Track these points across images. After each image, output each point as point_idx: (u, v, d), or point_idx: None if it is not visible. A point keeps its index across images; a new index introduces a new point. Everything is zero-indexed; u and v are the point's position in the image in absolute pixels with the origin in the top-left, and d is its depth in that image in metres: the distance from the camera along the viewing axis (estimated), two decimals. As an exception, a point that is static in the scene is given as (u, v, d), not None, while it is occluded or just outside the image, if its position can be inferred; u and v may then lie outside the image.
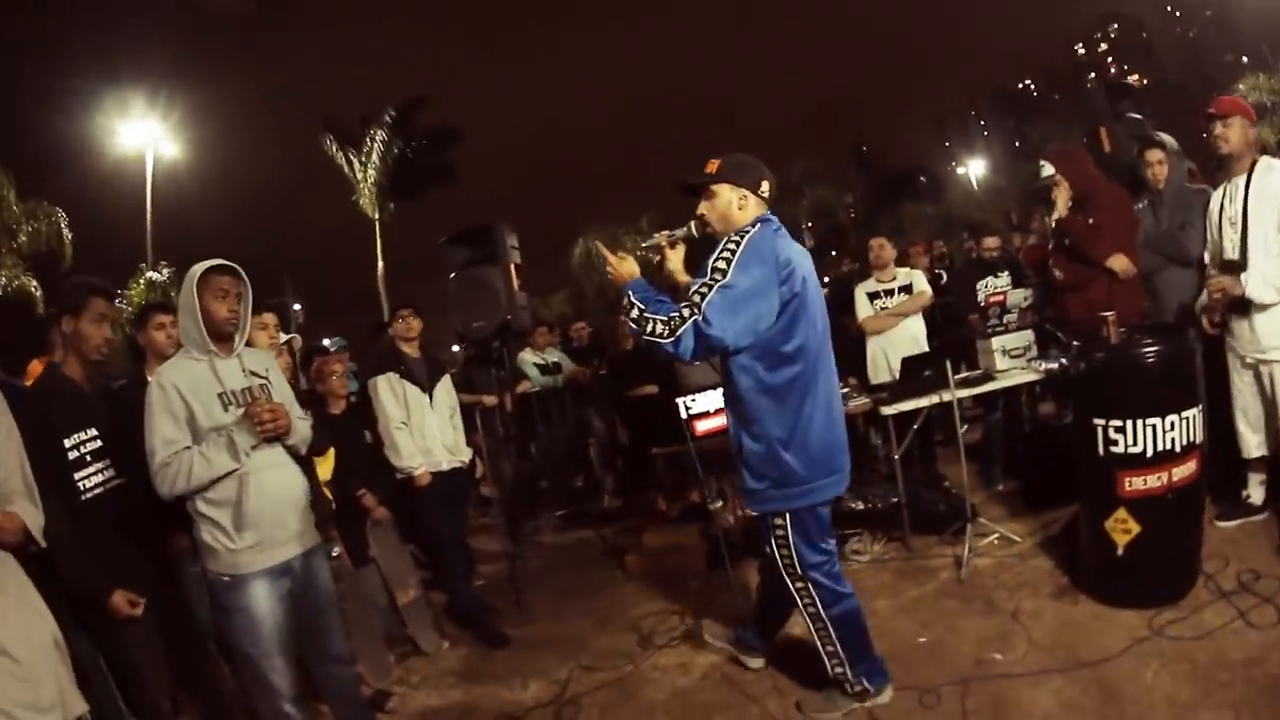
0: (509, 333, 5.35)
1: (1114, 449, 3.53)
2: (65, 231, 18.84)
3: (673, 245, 3.28)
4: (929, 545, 4.80)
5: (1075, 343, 4.12)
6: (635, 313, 2.98)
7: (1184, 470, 3.50)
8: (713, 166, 3.11)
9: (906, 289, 6.24)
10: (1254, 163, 3.87)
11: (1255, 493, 4.20)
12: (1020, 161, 54.00)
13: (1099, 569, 3.76)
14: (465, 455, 5.25)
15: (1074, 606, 3.75)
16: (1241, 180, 3.88)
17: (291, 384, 3.88)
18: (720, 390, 3.44)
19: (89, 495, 3.12)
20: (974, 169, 54.16)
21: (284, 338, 4.49)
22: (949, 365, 4.74)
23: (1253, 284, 3.75)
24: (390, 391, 4.92)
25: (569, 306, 38.13)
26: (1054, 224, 4.77)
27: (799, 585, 3.13)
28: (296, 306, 35.15)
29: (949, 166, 65.64)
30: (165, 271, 20.30)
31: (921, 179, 55.66)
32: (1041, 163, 4.89)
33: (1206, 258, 4.17)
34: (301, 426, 3.26)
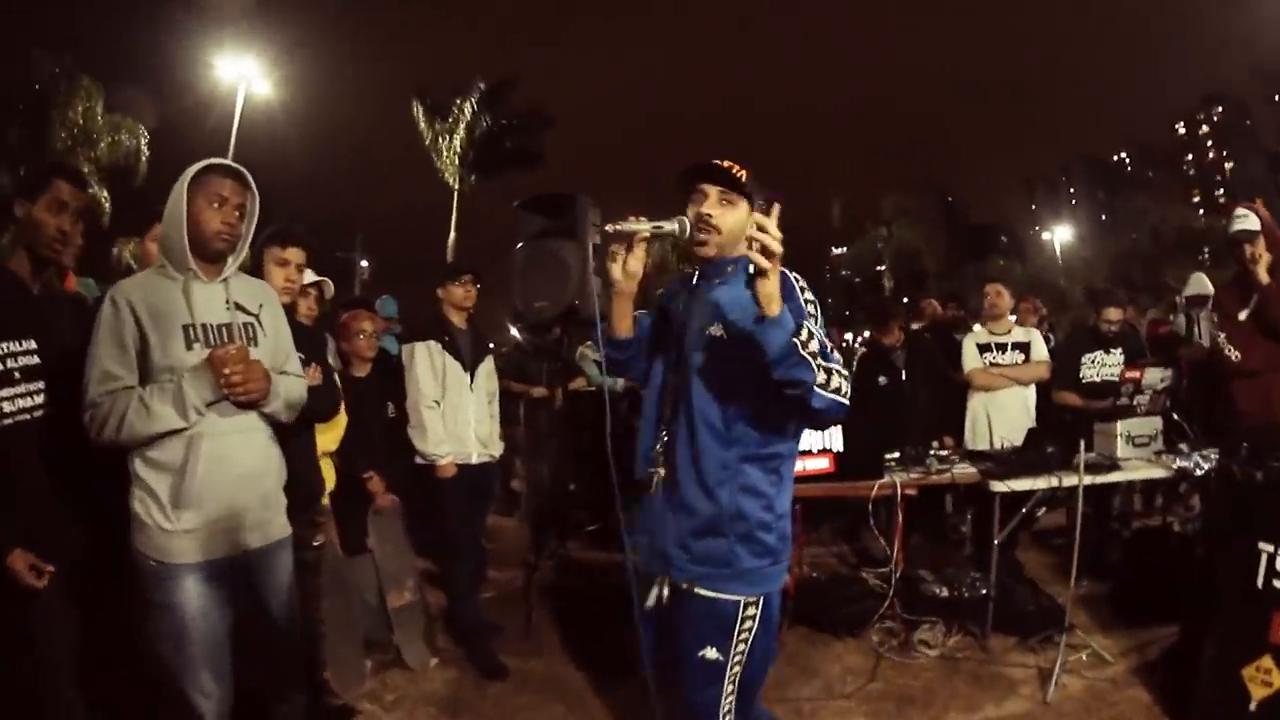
0: (573, 319, 4.65)
1: (1278, 583, 2.97)
2: (144, 149, 19.10)
3: (649, 239, 2.31)
4: (1008, 647, 4.29)
5: (1244, 444, 3.43)
6: (814, 357, 2.08)
7: None
8: (744, 173, 2.32)
9: (1022, 348, 5.68)
10: None
11: None
12: (1106, 235, 52.81)
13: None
14: (497, 449, 4.71)
15: None
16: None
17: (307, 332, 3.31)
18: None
19: (4, 421, 2.45)
20: (1059, 235, 52.94)
21: (310, 278, 3.82)
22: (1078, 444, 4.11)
23: None
24: (428, 362, 4.38)
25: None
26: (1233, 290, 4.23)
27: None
28: (364, 264, 35.22)
29: (1033, 229, 64.73)
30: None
31: (1003, 238, 54.77)
32: (1241, 211, 4.18)
33: None
34: (290, 388, 2.63)
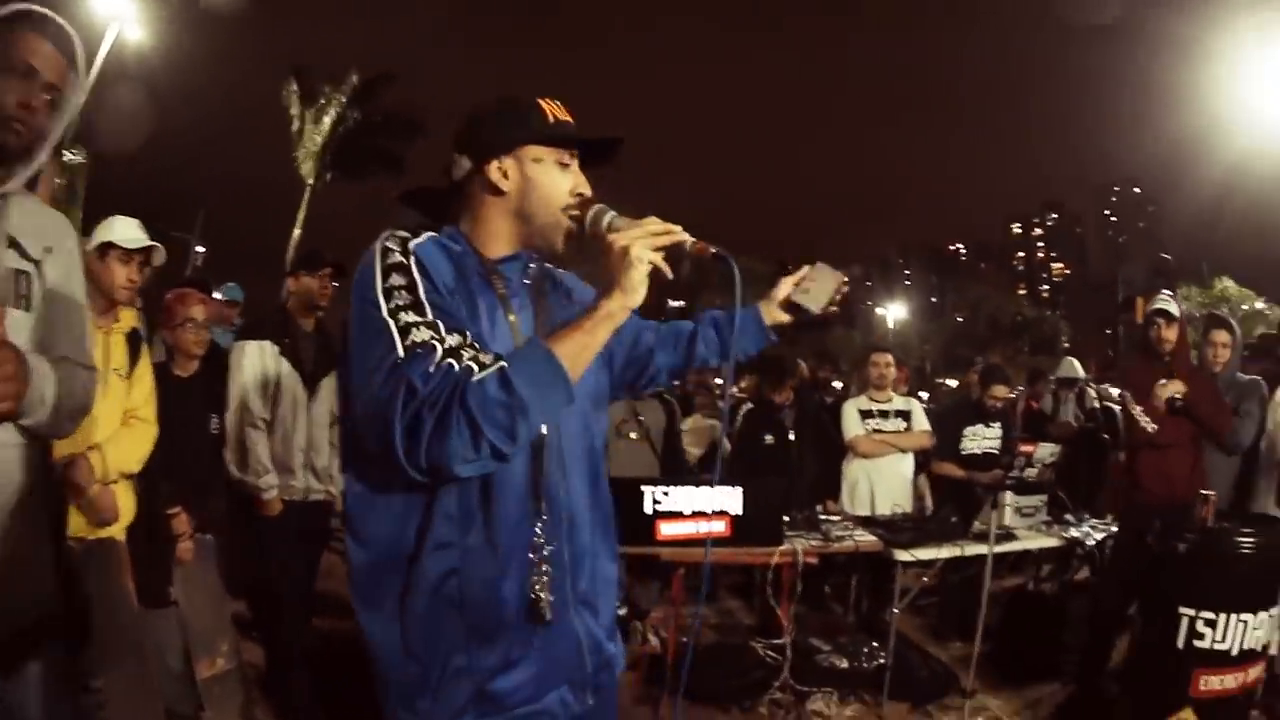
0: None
1: (1198, 643, 3.23)
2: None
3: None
4: (901, 714, 4.20)
5: (1156, 519, 3.67)
6: None
7: (1258, 671, 3.34)
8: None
9: (904, 415, 5.71)
10: None
11: None
12: (936, 316, 56.19)
13: None
14: (337, 486, 3.76)
15: None
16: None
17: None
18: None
19: None
20: (892, 312, 55.68)
21: (141, 240, 3.01)
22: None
23: None
24: (259, 368, 3.59)
25: None
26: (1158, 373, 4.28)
27: None
28: (199, 249, 32.74)
29: (866, 304, 68.20)
30: (77, 154, 18.04)
31: (834, 308, 57.42)
32: (1166, 293, 4.61)
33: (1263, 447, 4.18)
34: (67, 387, 1.65)
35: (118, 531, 2.92)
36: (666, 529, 3.98)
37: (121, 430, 2.91)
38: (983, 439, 5.68)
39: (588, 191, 1.61)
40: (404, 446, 1.33)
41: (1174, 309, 4.31)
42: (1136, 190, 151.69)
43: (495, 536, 1.50)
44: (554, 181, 1.59)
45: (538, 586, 1.53)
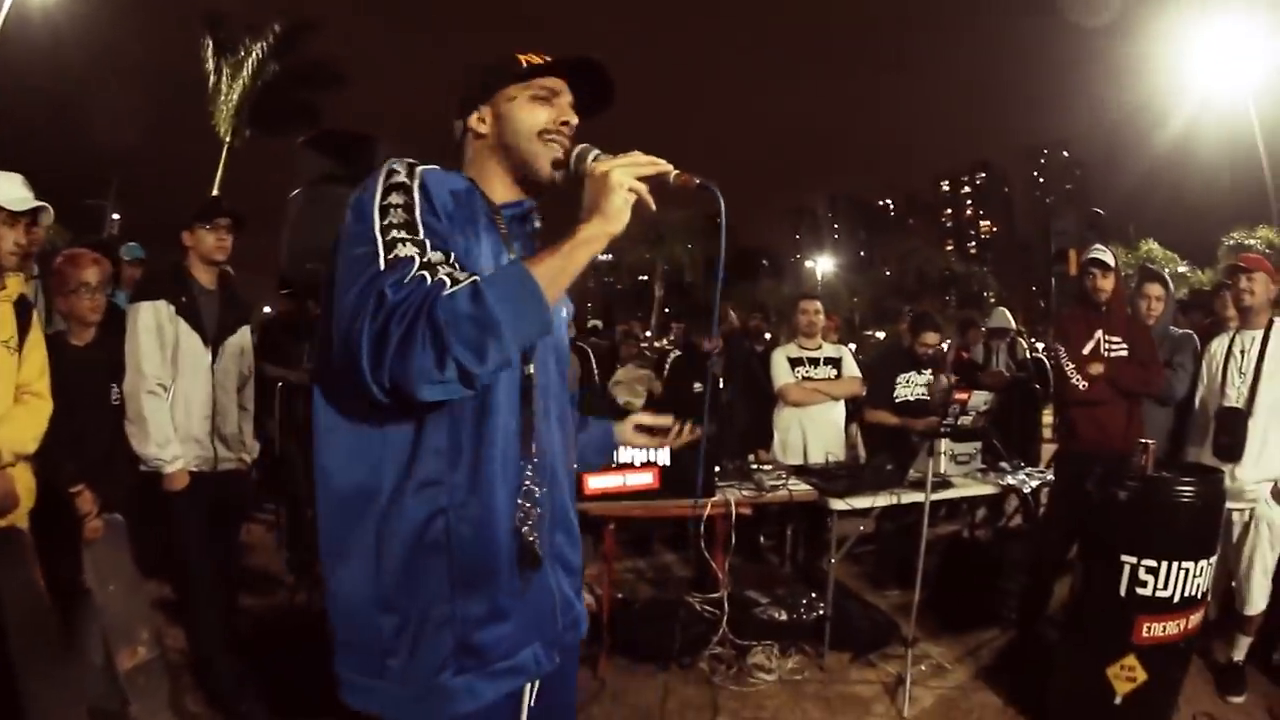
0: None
1: (1140, 590, 3.25)
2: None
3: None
4: (843, 665, 4.20)
5: (1098, 467, 3.66)
6: None
7: (1198, 617, 3.38)
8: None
9: (834, 363, 5.67)
10: (1271, 320, 4.02)
11: None
12: (864, 269, 57.19)
13: (1086, 716, 3.47)
14: (250, 453, 3.64)
15: None
16: (1258, 334, 4.00)
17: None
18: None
19: None
20: (821, 265, 56.40)
21: (27, 201, 2.73)
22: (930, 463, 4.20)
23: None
24: (154, 328, 3.27)
25: None
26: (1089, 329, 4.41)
27: None
28: (115, 216, 31.47)
29: (795, 257, 68.98)
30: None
31: (764, 261, 57.80)
32: (1100, 247, 4.64)
33: (1197, 401, 4.31)
34: None
35: (19, 518, 2.71)
36: (594, 482, 3.89)
37: (14, 408, 2.69)
38: (916, 386, 5.69)
39: (572, 119, 1.62)
40: (370, 361, 1.27)
41: (1109, 259, 4.36)
42: (1065, 154, 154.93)
43: (488, 475, 1.46)
44: (528, 112, 1.60)
45: (527, 530, 1.51)
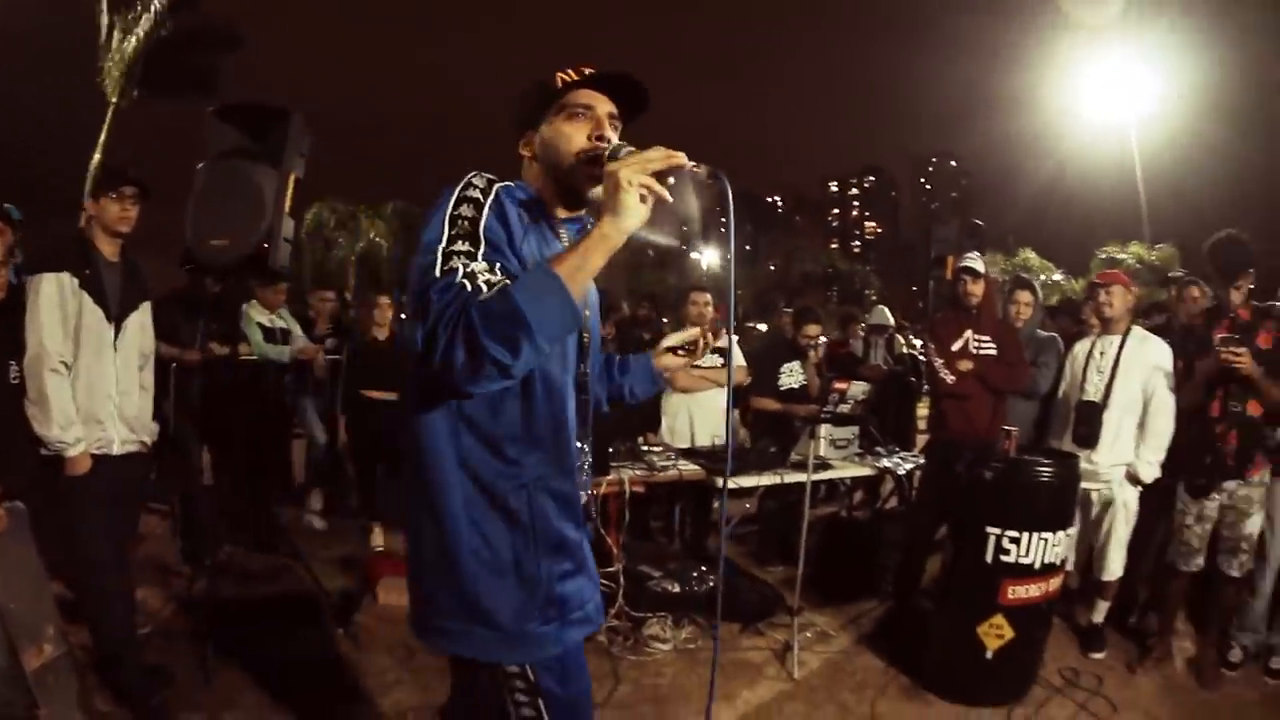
0: (258, 268, 3.67)
1: (1004, 558, 3.68)
2: None
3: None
4: (734, 634, 4.43)
5: (967, 451, 4.14)
6: None
7: (1058, 582, 3.86)
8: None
9: (720, 352, 5.62)
10: (1130, 328, 4.48)
11: None
12: (750, 264, 57.99)
13: (962, 670, 3.84)
14: (150, 435, 3.53)
15: (929, 707, 3.78)
16: (1117, 339, 4.44)
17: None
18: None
19: None
20: (707, 256, 56.80)
21: None
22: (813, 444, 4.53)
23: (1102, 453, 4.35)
24: (56, 302, 3.11)
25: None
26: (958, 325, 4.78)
27: None
28: None
29: (680, 247, 69.57)
30: None
31: (650, 251, 58.04)
32: (973, 254, 5.06)
33: (1059, 395, 4.75)
34: None
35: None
36: None
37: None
38: (798, 375, 5.97)
39: (607, 133, 1.73)
40: (426, 357, 1.46)
41: (980, 266, 4.72)
42: (953, 163, 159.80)
43: (562, 455, 1.76)
44: (562, 134, 1.74)
45: (585, 498, 1.89)
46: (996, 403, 4.67)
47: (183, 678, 3.54)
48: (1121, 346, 4.42)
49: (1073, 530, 3.95)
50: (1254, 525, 4.04)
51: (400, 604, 3.84)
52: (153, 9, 21.95)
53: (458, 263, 1.51)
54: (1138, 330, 4.51)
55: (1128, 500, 4.36)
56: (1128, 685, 4.01)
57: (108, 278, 3.27)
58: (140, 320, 3.44)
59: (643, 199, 1.50)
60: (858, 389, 5.14)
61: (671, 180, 1.55)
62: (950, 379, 4.66)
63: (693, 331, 2.28)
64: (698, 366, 5.48)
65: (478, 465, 1.67)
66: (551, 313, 1.44)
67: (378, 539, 5.60)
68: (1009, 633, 3.69)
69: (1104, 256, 27.99)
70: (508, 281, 1.49)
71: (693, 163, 1.55)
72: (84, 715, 3.13)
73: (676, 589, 4.57)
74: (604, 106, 1.75)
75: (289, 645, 3.97)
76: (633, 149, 1.58)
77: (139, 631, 3.69)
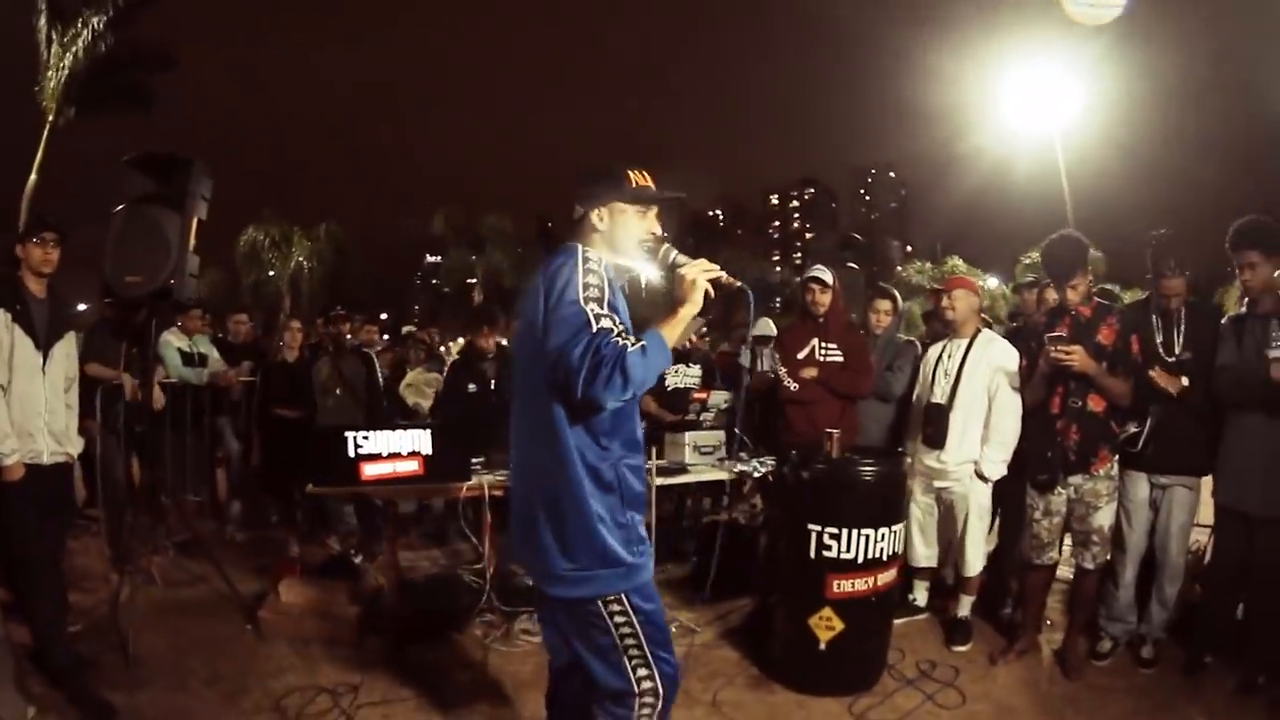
0: (167, 300, 4.24)
1: (827, 553, 3.86)
2: None
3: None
4: None
5: (794, 452, 4.25)
6: None
7: (887, 576, 3.96)
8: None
9: None
10: (978, 330, 4.69)
11: (920, 596, 4.93)
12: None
13: (799, 661, 4.03)
14: (75, 448, 4.03)
15: (772, 695, 3.94)
16: (964, 343, 4.65)
17: None
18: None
19: None
20: (646, 272, 57.40)
21: None
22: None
23: (950, 451, 4.56)
24: None
25: (216, 294, 35.20)
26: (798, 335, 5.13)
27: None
28: None
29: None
30: None
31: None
32: (820, 266, 5.28)
33: (914, 398, 4.97)
34: None
35: None
36: (369, 470, 4.39)
37: None
38: (685, 376, 6.38)
39: (659, 231, 2.49)
40: (583, 385, 2.13)
41: (827, 277, 5.01)
42: (892, 174, 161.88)
43: (633, 443, 2.44)
44: (633, 226, 2.46)
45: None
46: (844, 407, 4.88)
47: (107, 665, 4.00)
48: (968, 350, 4.60)
49: (898, 526, 4.01)
50: (1104, 518, 4.12)
51: (298, 601, 4.51)
52: (90, 27, 21.77)
53: (608, 323, 2.19)
54: (986, 334, 4.69)
55: (979, 498, 4.52)
56: (985, 677, 4.12)
57: (36, 312, 3.78)
58: (65, 349, 3.94)
59: (706, 294, 2.32)
60: (718, 398, 5.59)
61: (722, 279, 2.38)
62: (793, 386, 4.94)
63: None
64: None
65: (586, 452, 2.31)
66: (664, 363, 2.26)
67: (294, 549, 5.93)
68: (839, 624, 3.84)
69: (1028, 262, 29.04)
70: (644, 341, 2.20)
71: (727, 276, 2.40)
72: (20, 695, 3.54)
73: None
74: (654, 209, 2.51)
75: (201, 637, 4.44)
76: (676, 250, 2.42)
77: (71, 629, 4.16)
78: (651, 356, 2.18)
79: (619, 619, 2.37)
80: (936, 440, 4.57)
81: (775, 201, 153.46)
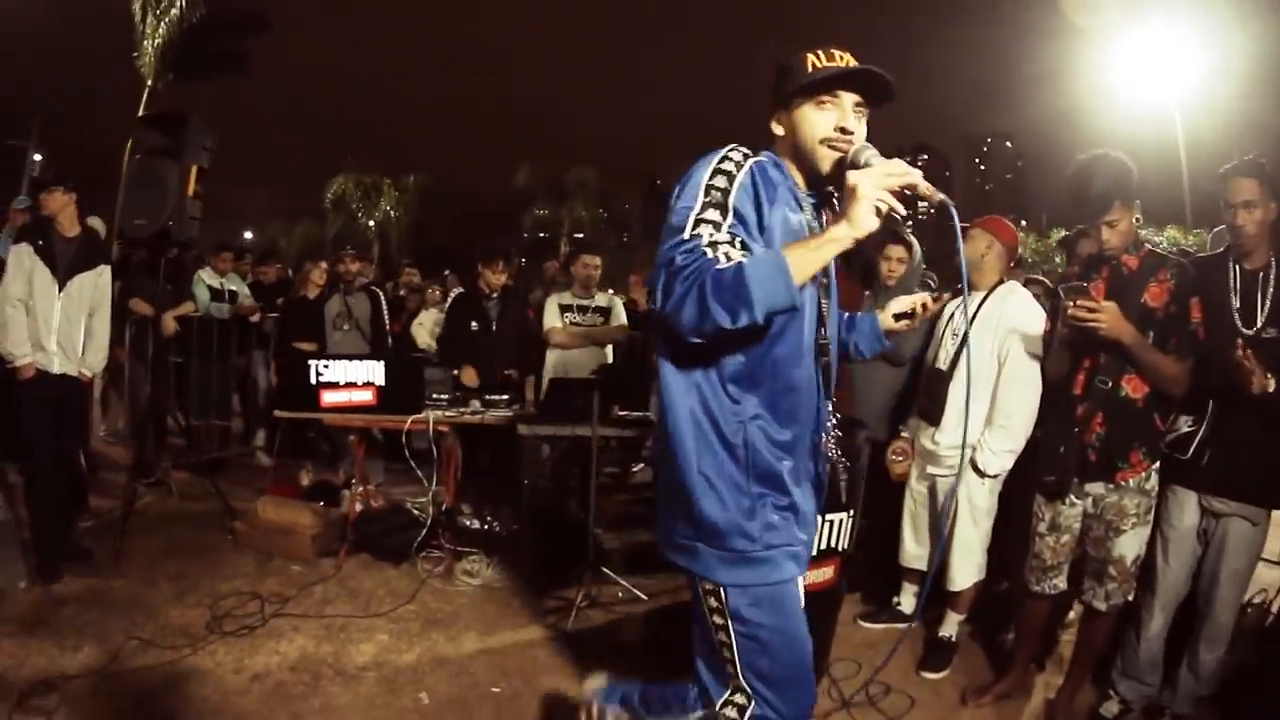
0: (168, 240, 4.76)
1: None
2: None
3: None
4: (552, 582, 4.54)
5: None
6: None
7: (819, 575, 3.25)
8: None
9: (603, 311, 6.09)
10: (999, 282, 3.74)
11: (906, 602, 4.18)
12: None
13: None
14: (90, 368, 4.68)
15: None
16: (979, 296, 3.72)
17: None
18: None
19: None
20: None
21: None
22: (598, 399, 4.43)
23: (945, 432, 3.75)
24: (18, 264, 4.38)
25: (305, 241, 36.59)
26: None
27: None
28: (37, 157, 30.94)
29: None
30: None
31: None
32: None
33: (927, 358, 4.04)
34: None
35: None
36: (328, 397, 4.78)
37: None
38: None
39: (849, 125, 1.92)
40: (660, 305, 1.74)
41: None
42: (1008, 145, 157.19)
43: (782, 405, 1.94)
44: (810, 121, 1.93)
45: (824, 456, 2.09)
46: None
47: (101, 556, 4.59)
48: (981, 304, 3.68)
49: (839, 515, 3.29)
50: (1128, 545, 3.08)
51: (270, 518, 4.97)
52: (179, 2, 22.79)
53: (704, 230, 1.74)
54: (1009, 284, 3.74)
55: (973, 495, 3.63)
56: (943, 718, 3.38)
57: (61, 248, 4.47)
58: (87, 281, 4.57)
59: (877, 211, 1.67)
60: None
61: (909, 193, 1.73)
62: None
63: (917, 297, 2.39)
64: (576, 324, 5.88)
65: (707, 396, 1.88)
66: (775, 294, 1.64)
67: (305, 478, 6.36)
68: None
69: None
70: (744, 255, 1.71)
71: (927, 185, 1.74)
72: (26, 567, 4.28)
73: (477, 525, 5.14)
74: (850, 96, 1.92)
75: (188, 542, 5.03)
76: (874, 151, 1.82)
77: (83, 524, 4.93)
78: (750, 280, 1.63)
79: (716, 617, 1.97)
80: (931, 414, 3.79)
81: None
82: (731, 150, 1.90)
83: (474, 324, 5.96)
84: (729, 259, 1.69)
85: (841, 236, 1.68)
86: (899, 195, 1.69)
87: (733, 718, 1.96)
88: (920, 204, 2.18)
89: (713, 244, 1.72)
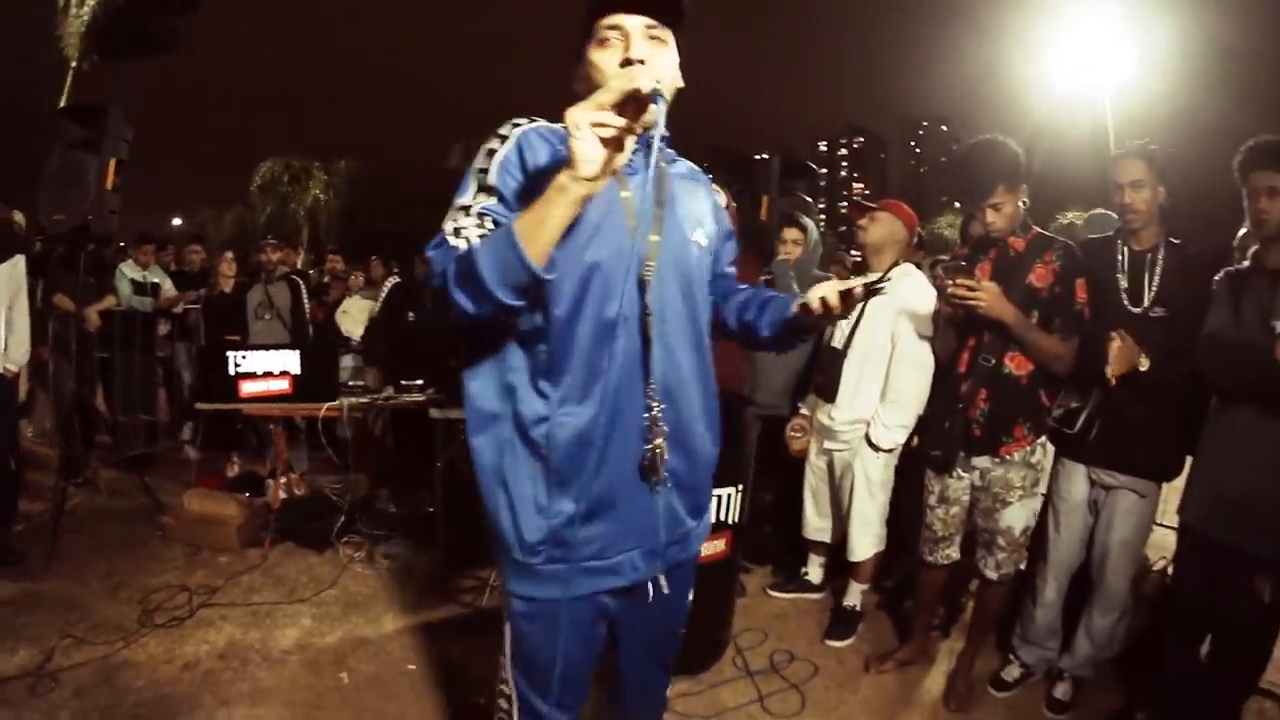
0: (87, 235, 4.74)
1: None
2: None
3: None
4: (471, 564, 4.56)
5: None
6: None
7: (711, 548, 3.30)
8: None
9: None
10: (895, 264, 3.80)
11: (813, 572, 4.36)
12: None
13: None
14: (14, 363, 4.61)
15: None
16: (875, 277, 3.39)
17: None
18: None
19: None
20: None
21: None
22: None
23: (841, 410, 3.85)
24: None
25: (237, 227, 35.95)
26: None
27: None
28: None
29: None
30: None
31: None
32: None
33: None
34: None
35: None
36: (246, 387, 4.85)
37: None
38: None
39: (634, 55, 1.60)
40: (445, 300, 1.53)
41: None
42: (944, 128, 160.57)
43: (598, 391, 1.62)
44: (594, 65, 1.64)
45: (647, 445, 1.67)
46: (727, 349, 4.31)
47: (34, 558, 4.60)
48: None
49: (728, 490, 3.44)
50: (1014, 517, 3.21)
51: (196, 510, 5.06)
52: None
53: (450, 221, 1.55)
54: (904, 267, 3.80)
55: (869, 469, 3.80)
56: (845, 685, 3.50)
57: None
58: (6, 270, 4.52)
59: (605, 142, 1.34)
60: None
61: (653, 108, 1.38)
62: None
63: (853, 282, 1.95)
64: None
65: (514, 395, 1.65)
66: (507, 269, 1.42)
67: (232, 469, 6.41)
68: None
69: (1065, 222, 28.59)
70: (477, 241, 1.51)
71: (649, 81, 1.34)
72: None
73: (394, 509, 5.23)
74: (635, 21, 1.62)
75: (118, 539, 5.04)
76: (647, 78, 1.35)
77: (15, 528, 4.86)
78: (479, 260, 1.44)
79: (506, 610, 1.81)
80: (826, 391, 3.89)
81: (824, 148, 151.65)
82: (502, 127, 1.67)
83: (410, 314, 6.02)
84: (468, 242, 1.52)
85: (565, 185, 1.37)
86: (629, 112, 1.34)
87: (504, 708, 1.84)
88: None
89: (454, 232, 1.54)
